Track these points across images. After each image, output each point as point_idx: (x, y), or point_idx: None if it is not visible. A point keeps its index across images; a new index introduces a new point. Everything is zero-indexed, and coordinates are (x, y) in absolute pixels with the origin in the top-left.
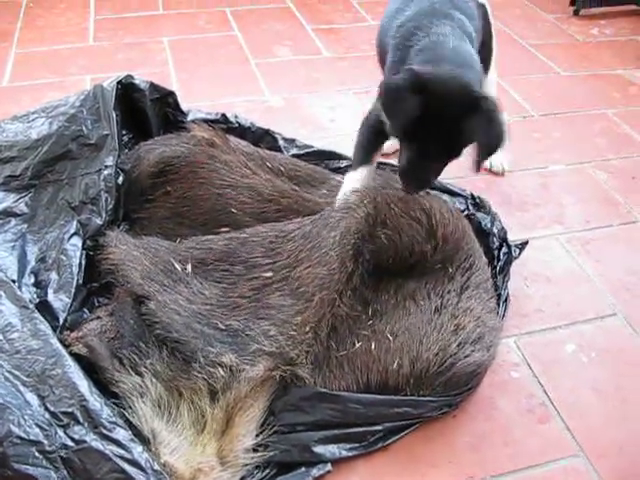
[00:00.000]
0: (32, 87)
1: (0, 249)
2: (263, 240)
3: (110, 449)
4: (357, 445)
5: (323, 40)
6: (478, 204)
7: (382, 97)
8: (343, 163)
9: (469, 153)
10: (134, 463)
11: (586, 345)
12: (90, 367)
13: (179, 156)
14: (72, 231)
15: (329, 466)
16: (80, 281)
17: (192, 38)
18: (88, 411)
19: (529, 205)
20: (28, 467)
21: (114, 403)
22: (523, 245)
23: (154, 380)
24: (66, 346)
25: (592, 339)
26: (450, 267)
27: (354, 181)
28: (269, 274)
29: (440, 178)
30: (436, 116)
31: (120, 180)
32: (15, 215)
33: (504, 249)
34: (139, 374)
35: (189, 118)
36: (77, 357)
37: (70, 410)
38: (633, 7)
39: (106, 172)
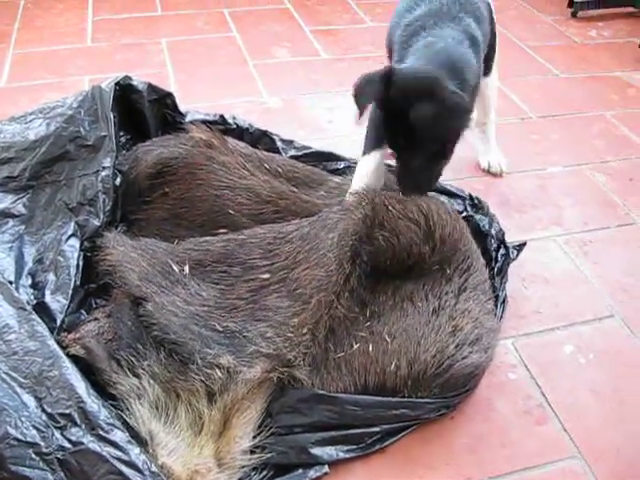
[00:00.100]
0: (30, 88)
1: None
2: (261, 242)
3: (107, 451)
4: (354, 447)
5: (321, 41)
6: (476, 205)
7: (355, 84)
8: (341, 164)
9: (466, 155)
10: (131, 465)
11: (584, 346)
12: (87, 369)
13: (177, 157)
14: (70, 232)
15: (326, 468)
16: (77, 282)
17: (190, 39)
18: (85, 413)
19: (527, 207)
20: (25, 469)
21: (111, 405)
22: (521, 246)
23: (152, 382)
24: (63, 347)
25: (590, 340)
26: (448, 268)
27: (368, 164)
28: (267, 276)
29: (438, 179)
30: (398, 105)
31: (118, 181)
32: (13, 216)
33: (502, 250)
34: (137, 376)
35: (187, 119)
36: (74, 359)
37: (67, 412)
38: (631, 9)
39: (104, 173)
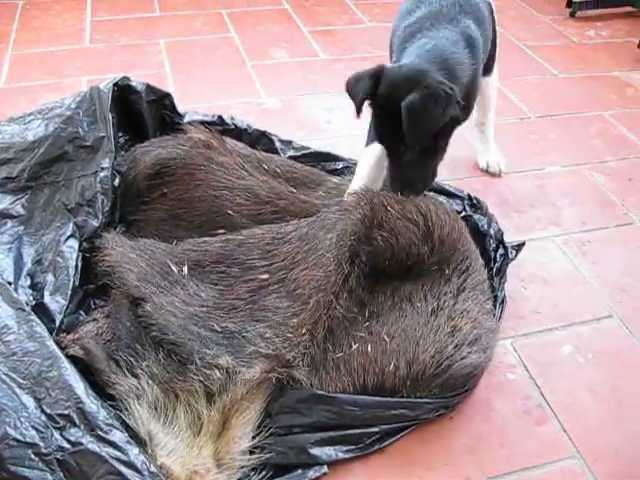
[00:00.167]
0: (28, 89)
1: None
2: (259, 242)
3: (106, 451)
4: (353, 447)
5: (320, 42)
6: (475, 205)
7: (347, 81)
8: (340, 164)
9: (464, 155)
10: (130, 465)
11: (583, 347)
12: (86, 369)
13: (175, 158)
14: (68, 233)
15: (325, 468)
16: (76, 283)
17: (188, 40)
18: (84, 413)
19: (526, 207)
20: (24, 469)
21: (110, 405)
22: (520, 246)
23: (150, 382)
24: (62, 348)
25: (589, 340)
26: (447, 269)
27: (369, 157)
28: (265, 276)
29: (437, 179)
30: (387, 101)
31: (116, 182)
32: (11, 217)
33: (501, 250)
34: (135, 376)
35: (185, 120)
36: (73, 359)
37: (66, 412)
38: (629, 9)
39: (102, 174)
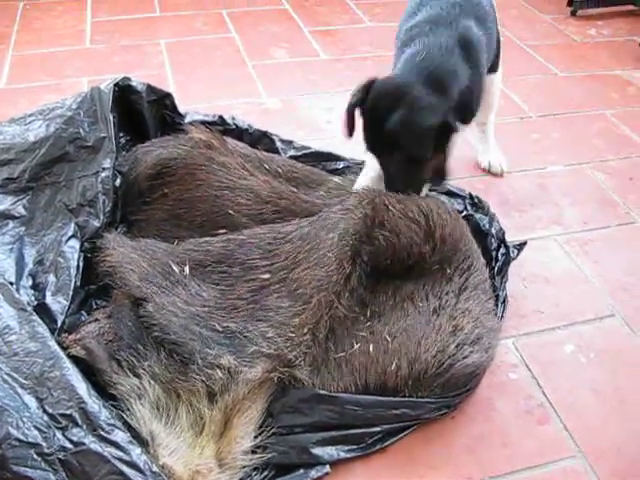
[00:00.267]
0: (29, 89)
1: None
2: (261, 242)
3: (109, 451)
4: (355, 447)
5: (320, 42)
6: (476, 205)
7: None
8: (340, 164)
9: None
10: (133, 465)
11: (585, 346)
12: (88, 369)
13: (176, 158)
14: (70, 233)
15: (327, 468)
16: (78, 283)
17: (189, 40)
18: (86, 413)
19: (527, 206)
20: (27, 469)
21: (112, 405)
22: (521, 246)
23: (152, 382)
24: (64, 348)
25: (591, 340)
26: (448, 268)
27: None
28: (267, 276)
29: None
30: (373, 114)
31: (117, 182)
32: (13, 217)
33: (502, 250)
34: (137, 376)
35: (186, 120)
36: (75, 359)
37: (68, 412)
38: (630, 7)
39: (103, 174)
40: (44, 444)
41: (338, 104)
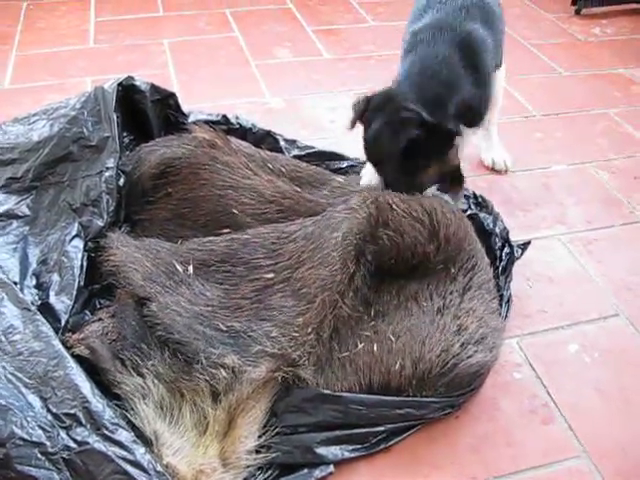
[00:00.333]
0: (32, 89)
1: (2, 251)
2: (265, 241)
3: (112, 450)
4: (359, 446)
5: (323, 41)
6: (480, 204)
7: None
8: (344, 164)
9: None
10: (136, 464)
11: (589, 345)
12: (92, 369)
13: (180, 157)
14: (73, 233)
15: (331, 467)
16: (82, 283)
17: (192, 40)
18: (90, 413)
19: (531, 205)
20: (31, 469)
21: (116, 405)
22: (525, 245)
23: (156, 381)
24: (68, 348)
25: (595, 339)
26: (452, 268)
27: None
28: (271, 275)
29: None
30: (369, 125)
31: (121, 182)
32: (17, 217)
33: (506, 249)
34: (141, 375)
35: (190, 119)
36: (79, 359)
37: (72, 412)
38: (634, 6)
39: (107, 174)
40: (48, 443)
41: (341, 103)
